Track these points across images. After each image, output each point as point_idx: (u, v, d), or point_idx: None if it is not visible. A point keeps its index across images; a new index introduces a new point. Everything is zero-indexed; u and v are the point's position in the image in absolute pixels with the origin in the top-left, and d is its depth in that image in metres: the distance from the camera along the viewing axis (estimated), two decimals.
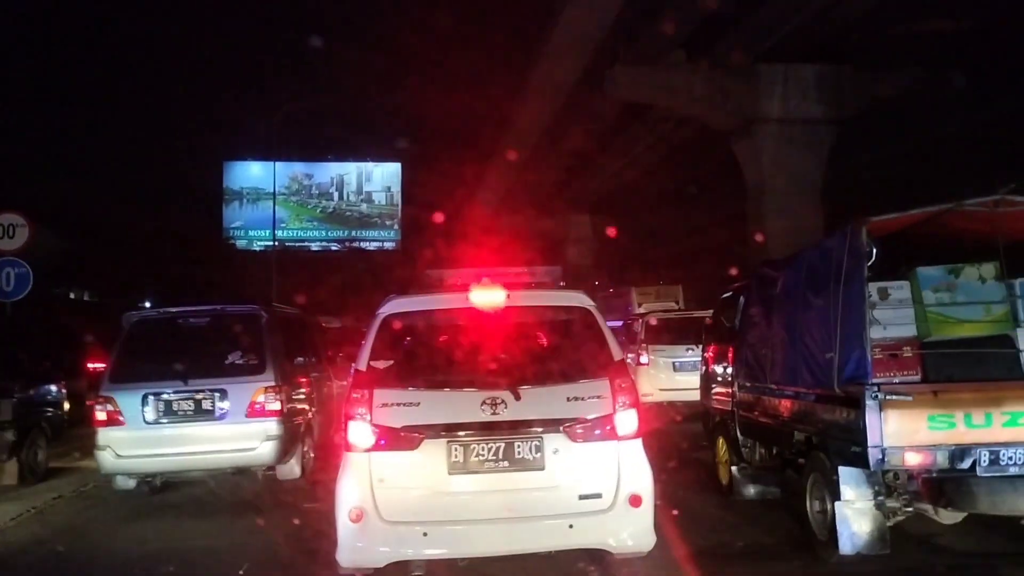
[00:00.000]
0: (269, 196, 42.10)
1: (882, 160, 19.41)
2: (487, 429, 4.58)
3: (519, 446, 4.58)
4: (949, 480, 4.90)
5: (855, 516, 4.99)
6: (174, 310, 8.88)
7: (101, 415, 7.85)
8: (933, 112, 19.18)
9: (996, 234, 5.35)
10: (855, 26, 18.46)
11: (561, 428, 4.61)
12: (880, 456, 4.83)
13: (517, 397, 4.60)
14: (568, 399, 4.69)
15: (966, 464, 4.87)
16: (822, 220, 18.97)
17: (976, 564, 5.27)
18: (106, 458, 7.79)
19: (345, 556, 4.59)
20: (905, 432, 4.85)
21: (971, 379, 5.27)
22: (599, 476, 4.62)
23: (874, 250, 5.08)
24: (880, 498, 5.05)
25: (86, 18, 31.25)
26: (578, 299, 5.16)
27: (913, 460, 4.88)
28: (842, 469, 5.11)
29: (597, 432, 4.64)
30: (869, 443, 4.83)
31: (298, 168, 42.73)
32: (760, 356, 6.65)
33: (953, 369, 5.45)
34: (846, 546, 4.99)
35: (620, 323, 15.54)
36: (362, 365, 4.82)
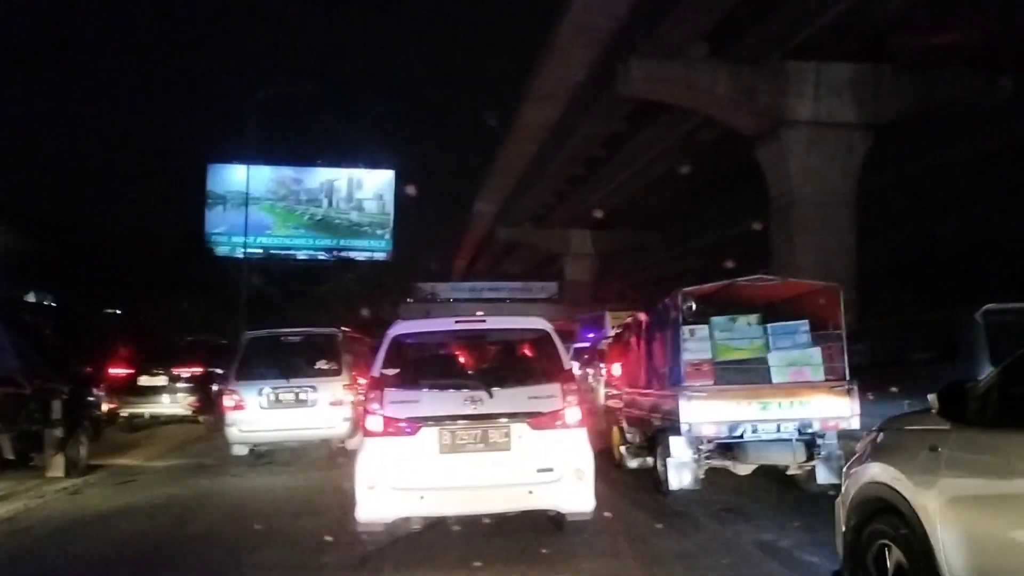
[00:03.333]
0: (255, 201, 40.17)
1: (920, 171, 17.66)
2: (469, 420, 5.88)
3: (492, 432, 5.87)
4: (730, 444, 7.78)
5: (679, 467, 7.78)
6: (278, 331, 12.03)
7: (230, 402, 10.72)
8: (977, 121, 17.48)
9: (757, 298, 8.55)
10: (895, 24, 16.78)
11: (524, 419, 5.91)
12: (688, 428, 7.59)
13: (491, 396, 5.93)
14: (529, 397, 6.00)
15: (739, 433, 7.64)
16: (855, 236, 17.19)
17: (749, 492, 8.06)
18: (233, 432, 10.64)
19: (363, 514, 5.85)
20: (701, 414, 7.59)
21: (741, 383, 7.93)
22: (552, 455, 5.89)
23: (694, 305, 8.19)
24: (693, 456, 7.80)
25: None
26: (539, 323, 6.68)
27: (708, 431, 7.66)
28: (671, 438, 7.84)
29: (550, 422, 5.94)
30: (681, 420, 7.58)
31: (286, 172, 40.83)
32: (634, 371, 9.73)
33: (732, 377, 8.03)
34: (674, 484, 7.76)
35: (589, 345, 17.76)
36: (376, 372, 6.20)
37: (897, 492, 3.76)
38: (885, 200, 17.99)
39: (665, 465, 7.96)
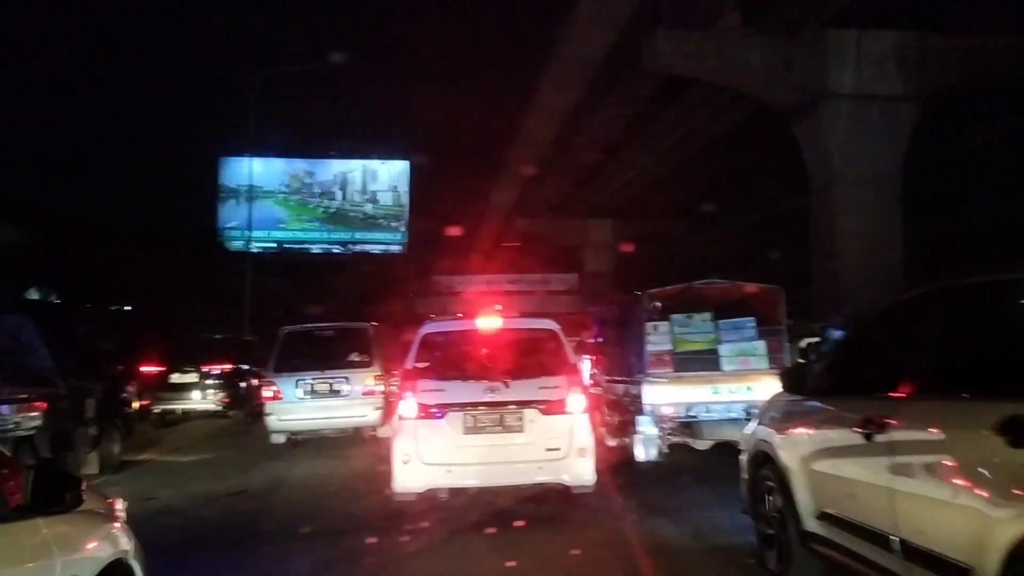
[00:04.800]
0: (268, 194, 39.36)
1: (973, 146, 16.42)
2: (488, 406, 6.87)
3: (508, 417, 6.87)
4: (688, 422, 9.24)
5: (645, 442, 9.07)
6: (311, 326, 12.68)
7: (268, 393, 11.41)
8: None
9: (712, 298, 9.91)
10: None
11: (535, 406, 6.89)
12: (651, 409, 9.11)
13: (507, 386, 6.93)
14: (540, 388, 6.99)
15: (694, 413, 9.16)
16: (901, 218, 15.99)
17: (704, 465, 9.20)
18: (272, 421, 11.30)
19: (399, 485, 6.92)
20: (662, 397, 9.12)
21: (696, 371, 9.31)
22: (559, 437, 6.87)
23: (659, 305, 9.73)
24: (657, 432, 9.09)
25: None
26: (549, 324, 7.75)
27: (668, 411, 9.14)
28: (638, 417, 9.20)
29: (558, 409, 6.91)
30: (644, 402, 9.14)
31: (299, 165, 39.86)
32: (610, 361, 11.06)
33: (688, 365, 9.37)
34: (641, 457, 9.10)
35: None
36: (409, 365, 7.29)
37: (771, 445, 5.08)
38: (938, 177, 16.79)
39: (633, 441, 9.32)
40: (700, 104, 21.39)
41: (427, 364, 7.24)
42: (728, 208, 29.96)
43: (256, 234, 39.50)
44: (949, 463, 3.44)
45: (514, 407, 6.82)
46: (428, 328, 7.76)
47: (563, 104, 25.90)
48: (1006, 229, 16.17)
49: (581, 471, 6.86)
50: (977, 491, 3.19)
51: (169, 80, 41.72)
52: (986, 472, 3.18)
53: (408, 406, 6.91)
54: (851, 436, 4.11)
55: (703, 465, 9.18)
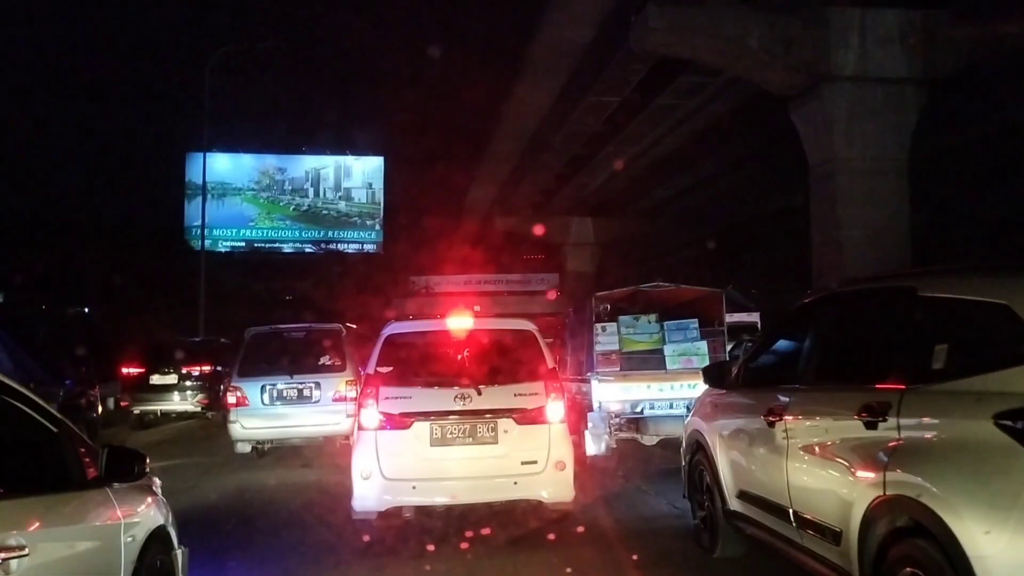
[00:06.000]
0: (237, 192, 38.00)
1: (984, 134, 15.43)
2: (458, 415, 6.30)
3: (480, 427, 6.29)
4: (635, 419, 9.75)
5: (594, 437, 9.55)
6: (279, 327, 12.06)
7: (232, 399, 10.69)
8: None
9: (658, 300, 10.77)
10: None
11: (510, 415, 6.34)
12: (599, 406, 9.70)
13: (479, 393, 6.36)
14: (515, 395, 6.45)
15: (639, 409, 9.72)
16: (907, 209, 14.94)
17: (656, 455, 9.85)
18: (235, 428, 10.64)
19: (358, 503, 6.28)
20: (610, 394, 9.74)
21: (642, 369, 9.97)
22: (535, 448, 6.32)
23: (608, 307, 10.55)
24: (605, 428, 9.62)
25: None
26: (524, 325, 7.18)
27: (615, 408, 9.72)
28: (589, 414, 9.77)
29: (534, 418, 6.38)
30: (593, 399, 9.72)
31: (269, 161, 38.54)
32: (570, 360, 11.55)
33: (635, 365, 10.04)
34: (590, 451, 9.55)
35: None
36: (371, 370, 6.66)
37: (702, 434, 5.81)
38: (949, 165, 15.78)
39: (584, 437, 9.53)
40: (694, 91, 20.34)
41: (390, 369, 6.62)
42: (716, 204, 28.94)
43: (225, 233, 38.18)
44: (826, 444, 4.07)
45: (487, 416, 6.31)
46: (392, 328, 7.01)
47: (545, 94, 24.77)
48: (1018, 222, 15.24)
49: (560, 486, 6.36)
50: (844, 466, 3.80)
51: (132, 69, 40.04)
52: (850, 450, 3.79)
53: (369, 415, 6.34)
54: (759, 424, 4.73)
55: (650, 458, 9.84)
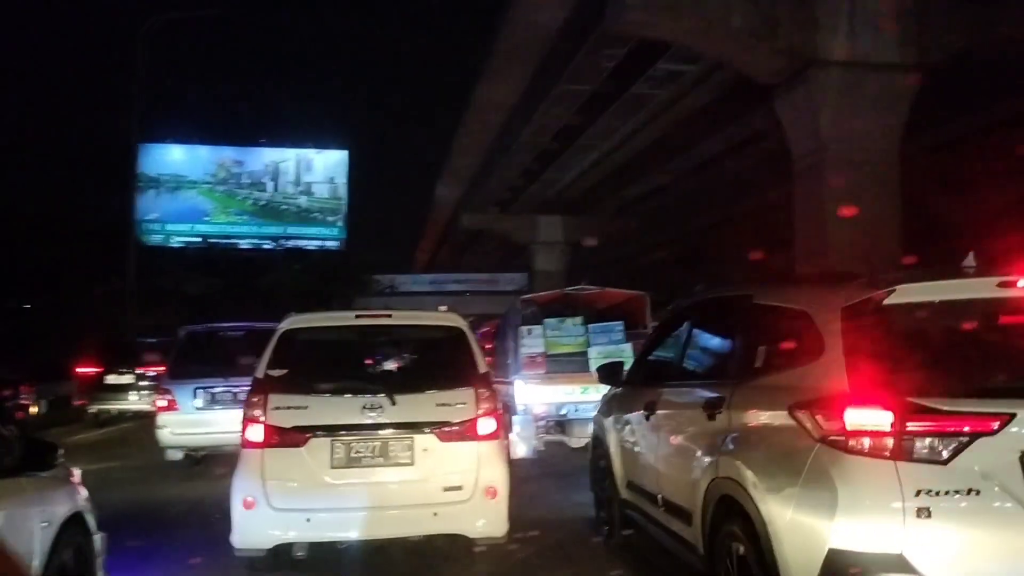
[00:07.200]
0: (191, 185, 36.36)
1: (980, 124, 14.56)
2: (366, 430, 5.16)
3: (393, 445, 5.18)
4: (559, 421, 10.05)
5: (520, 439, 9.58)
6: (217, 326, 11.78)
7: (162, 403, 10.26)
8: None
9: (585, 303, 10.97)
10: None
11: (430, 430, 5.21)
12: (523, 408, 9.85)
13: (393, 403, 5.20)
14: (437, 404, 5.28)
15: (564, 412, 9.88)
16: (900, 207, 14.01)
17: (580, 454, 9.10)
18: (164, 435, 10.14)
19: (238, 539, 5.11)
20: (534, 396, 9.88)
21: (567, 372, 9.98)
22: (461, 471, 5.21)
23: (535, 309, 10.79)
24: (531, 430, 9.73)
25: None
26: (453, 320, 5.88)
27: (540, 410, 9.86)
28: (513, 416, 9.71)
29: (461, 433, 5.24)
30: (517, 402, 9.86)
31: (226, 153, 36.84)
32: (498, 362, 11.12)
33: (560, 367, 10.09)
34: (516, 454, 9.19)
35: None
36: (260, 373, 5.41)
37: (601, 429, 6.16)
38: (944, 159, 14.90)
39: (509, 439, 9.07)
40: (671, 78, 19.35)
41: (284, 372, 5.41)
42: (689, 203, 28.04)
43: (179, 228, 36.51)
44: (681, 435, 4.64)
45: (402, 431, 5.21)
46: (289, 323, 5.73)
47: (513, 84, 23.72)
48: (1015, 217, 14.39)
49: (490, 518, 5.23)
50: (694, 454, 4.31)
51: (73, 52, 38.30)
52: (697, 440, 4.34)
53: (254, 430, 5.18)
54: (640, 418, 5.18)
55: (571, 458, 9.65)
